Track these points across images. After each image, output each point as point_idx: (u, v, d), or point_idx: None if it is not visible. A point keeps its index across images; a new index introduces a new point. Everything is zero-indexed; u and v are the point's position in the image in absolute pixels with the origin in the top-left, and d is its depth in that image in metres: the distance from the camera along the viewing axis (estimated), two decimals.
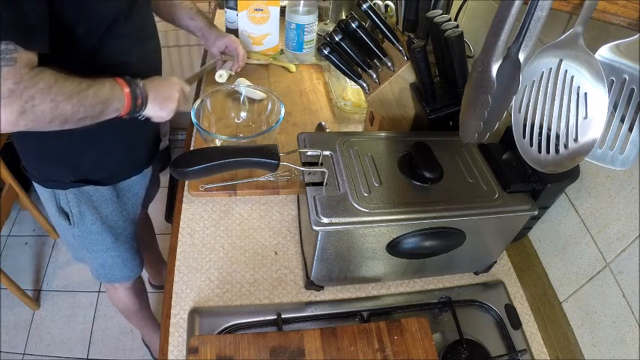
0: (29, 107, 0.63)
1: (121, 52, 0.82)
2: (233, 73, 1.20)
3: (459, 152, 0.78)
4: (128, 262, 1.16)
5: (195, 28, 1.16)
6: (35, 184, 0.97)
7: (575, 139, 0.44)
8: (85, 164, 0.93)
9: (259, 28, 1.33)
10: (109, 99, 0.74)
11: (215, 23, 1.58)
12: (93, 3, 0.72)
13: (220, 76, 1.18)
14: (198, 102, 0.95)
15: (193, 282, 0.80)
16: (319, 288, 0.80)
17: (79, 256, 1.16)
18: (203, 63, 1.41)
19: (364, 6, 0.86)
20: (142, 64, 0.88)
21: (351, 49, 0.88)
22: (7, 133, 0.66)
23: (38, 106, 0.64)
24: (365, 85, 0.93)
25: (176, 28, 1.97)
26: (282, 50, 1.43)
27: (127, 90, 0.77)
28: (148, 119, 0.96)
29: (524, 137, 0.50)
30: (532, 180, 0.71)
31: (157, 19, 0.97)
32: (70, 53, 0.75)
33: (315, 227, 0.64)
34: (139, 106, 0.80)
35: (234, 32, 1.37)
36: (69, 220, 0.99)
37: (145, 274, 1.31)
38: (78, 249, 1.12)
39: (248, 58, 1.26)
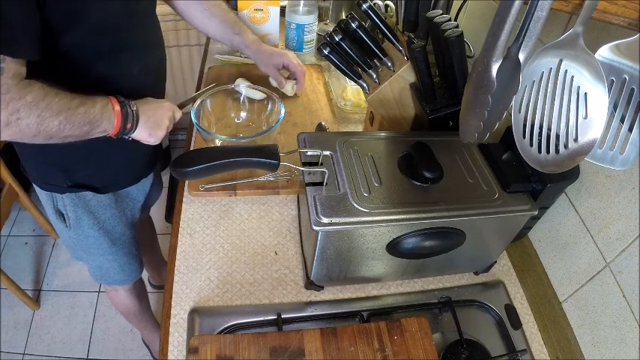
0: (13, 120, 0.61)
1: (121, 64, 0.80)
2: (298, 92, 1.17)
3: (459, 152, 0.78)
4: (125, 267, 1.16)
5: (241, 44, 1.08)
6: (34, 185, 0.96)
7: (575, 139, 0.44)
8: (82, 172, 0.92)
9: (259, 28, 1.33)
10: (98, 120, 0.72)
11: None
12: (84, 4, 0.68)
13: (287, 90, 1.17)
14: (198, 102, 0.95)
15: (193, 282, 0.80)
16: (319, 288, 0.80)
17: (78, 255, 1.16)
18: (203, 64, 1.41)
19: (364, 6, 0.86)
20: (143, 77, 0.86)
21: (351, 49, 0.88)
22: None
23: (23, 119, 0.62)
24: (365, 85, 0.93)
25: (176, 28, 1.99)
26: None
27: (118, 111, 0.75)
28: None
29: (524, 137, 0.50)
30: (532, 180, 0.71)
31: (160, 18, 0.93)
32: (62, 63, 0.72)
33: (315, 227, 0.64)
34: (129, 129, 0.78)
35: None
36: (65, 222, 0.99)
37: (145, 274, 1.31)
38: (76, 249, 1.12)
39: (247, 57, 1.25)
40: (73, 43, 0.71)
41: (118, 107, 0.75)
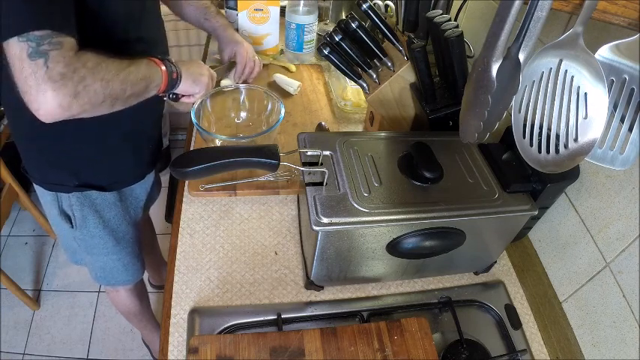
0: (82, 88, 0.63)
1: (134, 56, 0.81)
2: (238, 82, 1.16)
3: (459, 152, 0.78)
4: (129, 266, 1.16)
5: (210, 28, 1.15)
6: (36, 186, 0.96)
7: (575, 139, 0.44)
8: (86, 170, 0.92)
9: (259, 28, 1.33)
10: (149, 75, 0.76)
11: None
12: (110, 1, 0.71)
13: (222, 82, 1.16)
14: (198, 102, 0.95)
15: (193, 282, 0.80)
16: (319, 288, 0.80)
17: (77, 259, 1.16)
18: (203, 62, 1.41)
19: (364, 6, 0.86)
20: None
21: (351, 49, 0.88)
22: (9, 132, 0.65)
23: (90, 85, 0.64)
24: (365, 85, 0.93)
25: (176, 28, 1.99)
26: (282, 50, 1.43)
27: (162, 66, 0.79)
28: (147, 126, 0.94)
29: (524, 137, 0.50)
30: (532, 180, 0.71)
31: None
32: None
33: (315, 227, 0.64)
34: (175, 80, 0.82)
35: None
36: (71, 223, 0.99)
37: (145, 274, 1.31)
38: (77, 252, 1.11)
39: None
40: (99, 30, 0.73)
41: (160, 62, 0.79)
